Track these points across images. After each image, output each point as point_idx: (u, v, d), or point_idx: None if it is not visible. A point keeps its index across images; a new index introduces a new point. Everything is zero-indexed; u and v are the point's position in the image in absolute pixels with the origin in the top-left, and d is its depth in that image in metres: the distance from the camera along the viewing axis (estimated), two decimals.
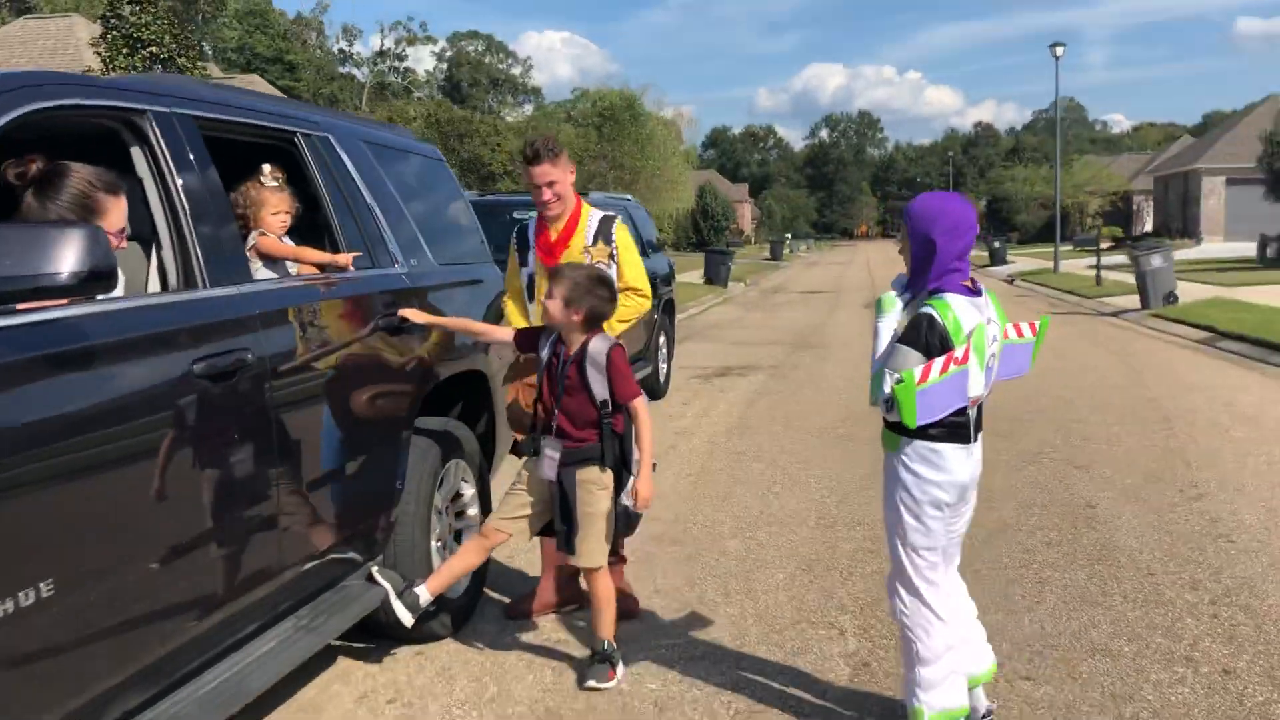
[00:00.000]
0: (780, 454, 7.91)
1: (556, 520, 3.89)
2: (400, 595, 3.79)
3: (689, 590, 5.00)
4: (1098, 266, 25.74)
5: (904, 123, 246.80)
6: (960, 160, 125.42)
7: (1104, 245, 48.14)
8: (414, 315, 4.17)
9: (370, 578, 3.86)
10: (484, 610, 4.71)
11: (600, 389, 3.80)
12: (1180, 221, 46.28)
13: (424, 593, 3.82)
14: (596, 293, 3.80)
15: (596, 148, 47.43)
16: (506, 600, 4.83)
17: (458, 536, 4.61)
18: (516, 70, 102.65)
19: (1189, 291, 20.64)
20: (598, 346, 3.82)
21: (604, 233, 4.60)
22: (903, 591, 3.35)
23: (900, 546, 3.32)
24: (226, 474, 3.09)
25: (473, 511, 4.69)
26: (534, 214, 4.68)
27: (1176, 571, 5.07)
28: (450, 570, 3.92)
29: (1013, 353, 3.44)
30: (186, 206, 3.20)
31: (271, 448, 3.30)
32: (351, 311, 3.90)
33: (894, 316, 3.30)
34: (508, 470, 4.75)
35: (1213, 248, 41.14)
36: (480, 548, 3.98)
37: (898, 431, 3.27)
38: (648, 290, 4.59)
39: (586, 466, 3.84)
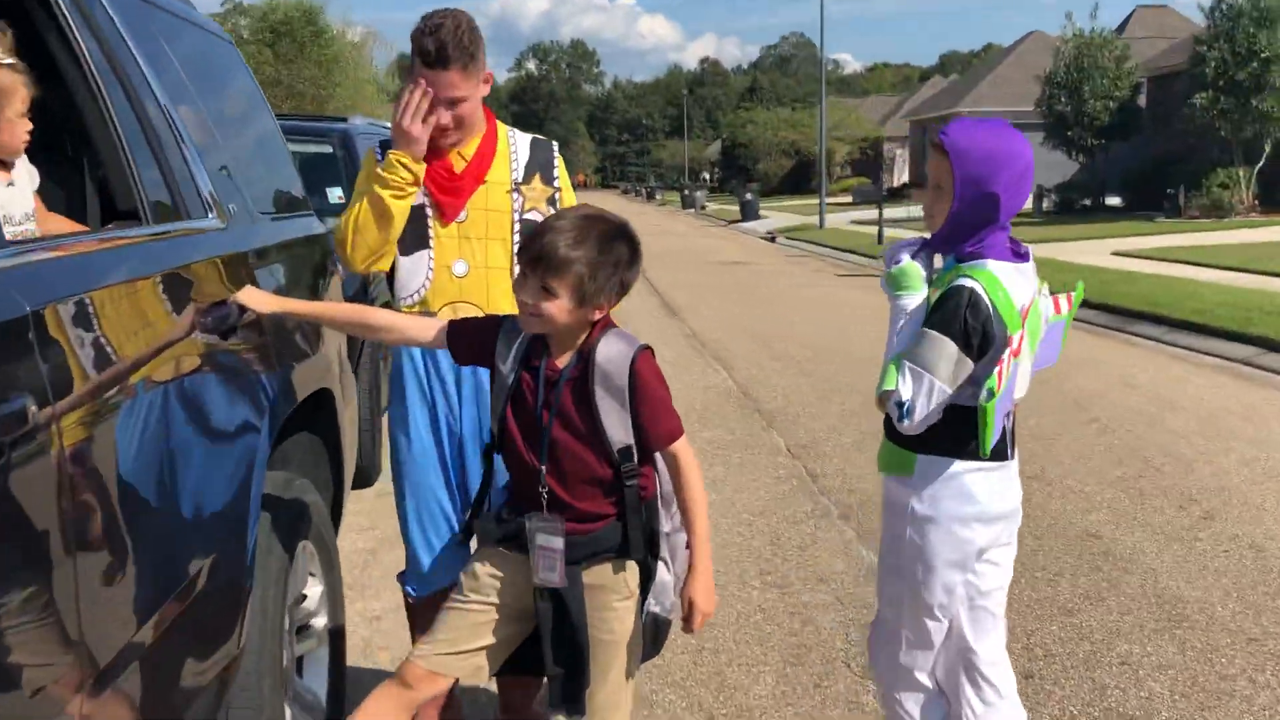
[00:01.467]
0: None
1: (547, 657, 2.64)
2: None
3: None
4: (880, 222, 26.22)
5: (619, 55, 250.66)
6: (687, 101, 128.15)
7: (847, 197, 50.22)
8: (261, 301, 2.81)
9: None
10: None
11: (620, 427, 2.61)
12: None
13: None
14: (623, 259, 2.60)
15: (272, 70, 44.35)
16: None
17: (298, 666, 3.28)
18: None
19: None
20: (613, 352, 2.61)
21: (540, 163, 3.39)
22: (910, 674, 2.99)
23: (911, 611, 2.92)
24: None
25: (319, 623, 3.38)
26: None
27: None
28: None
29: (1046, 336, 3.01)
30: None
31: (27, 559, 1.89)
32: (155, 301, 2.47)
33: (921, 294, 2.81)
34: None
35: None
36: (399, 706, 2.67)
37: (910, 447, 2.82)
38: None
39: (599, 564, 2.65)
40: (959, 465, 2.79)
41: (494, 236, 3.31)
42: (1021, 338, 2.76)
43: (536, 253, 2.53)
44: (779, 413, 8.64)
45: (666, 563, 2.74)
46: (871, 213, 37.15)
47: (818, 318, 14.55)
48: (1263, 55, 24.68)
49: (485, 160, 3.31)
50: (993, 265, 2.75)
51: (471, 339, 2.78)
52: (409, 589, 3.42)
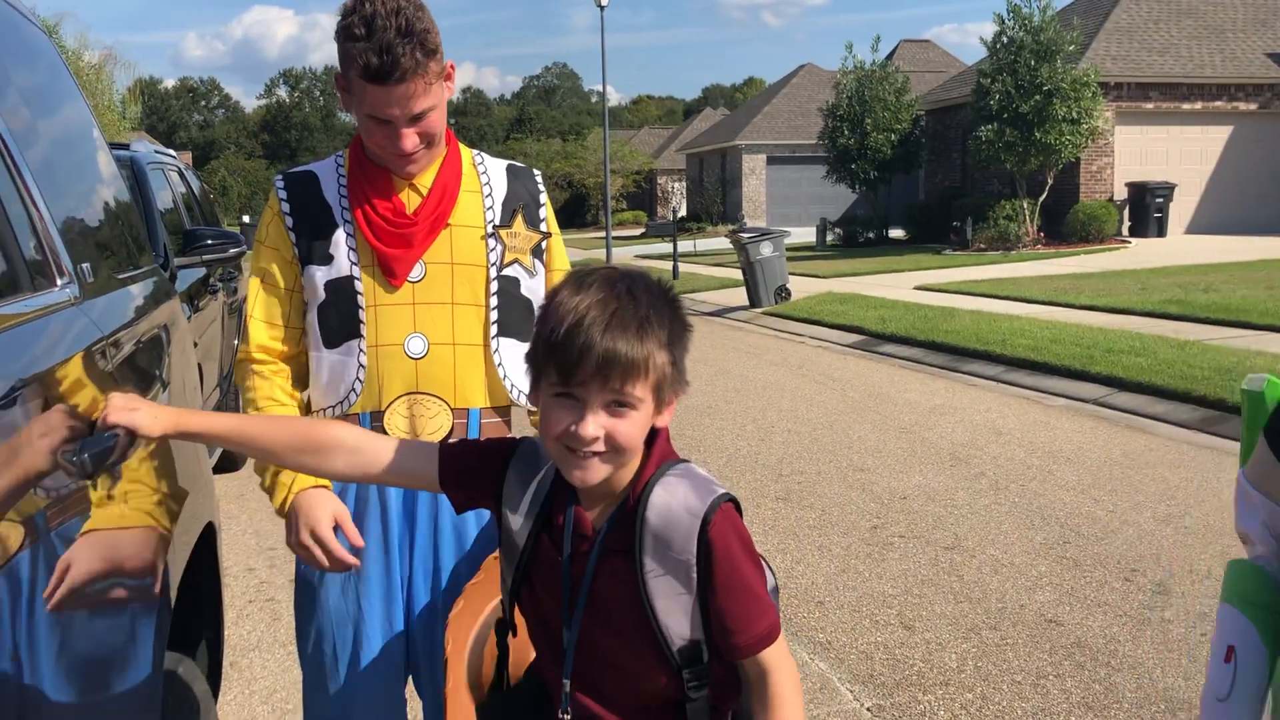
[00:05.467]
0: None
1: None
2: None
3: None
4: (674, 257, 25.90)
5: None
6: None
7: (638, 231, 50.19)
8: (152, 420, 1.88)
9: None
10: None
11: (681, 617, 1.83)
12: (721, 204, 48.96)
13: None
14: (686, 327, 1.86)
15: None
16: None
17: None
18: None
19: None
20: (676, 507, 1.83)
21: (523, 199, 2.57)
22: None
23: None
24: None
25: None
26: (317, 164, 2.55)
27: None
28: None
29: None
30: None
31: None
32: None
33: None
34: None
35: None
36: None
37: None
38: None
39: None
40: None
41: (464, 301, 2.47)
42: None
43: (597, 360, 1.73)
44: None
45: None
46: (654, 247, 37.04)
47: None
48: (1044, 88, 25.47)
49: (448, 195, 2.47)
50: None
51: (471, 475, 1.94)
52: None
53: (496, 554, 2.18)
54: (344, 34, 2.31)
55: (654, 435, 1.87)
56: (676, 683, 1.85)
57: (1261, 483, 1.97)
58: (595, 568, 1.83)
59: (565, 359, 1.73)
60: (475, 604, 2.21)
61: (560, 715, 1.86)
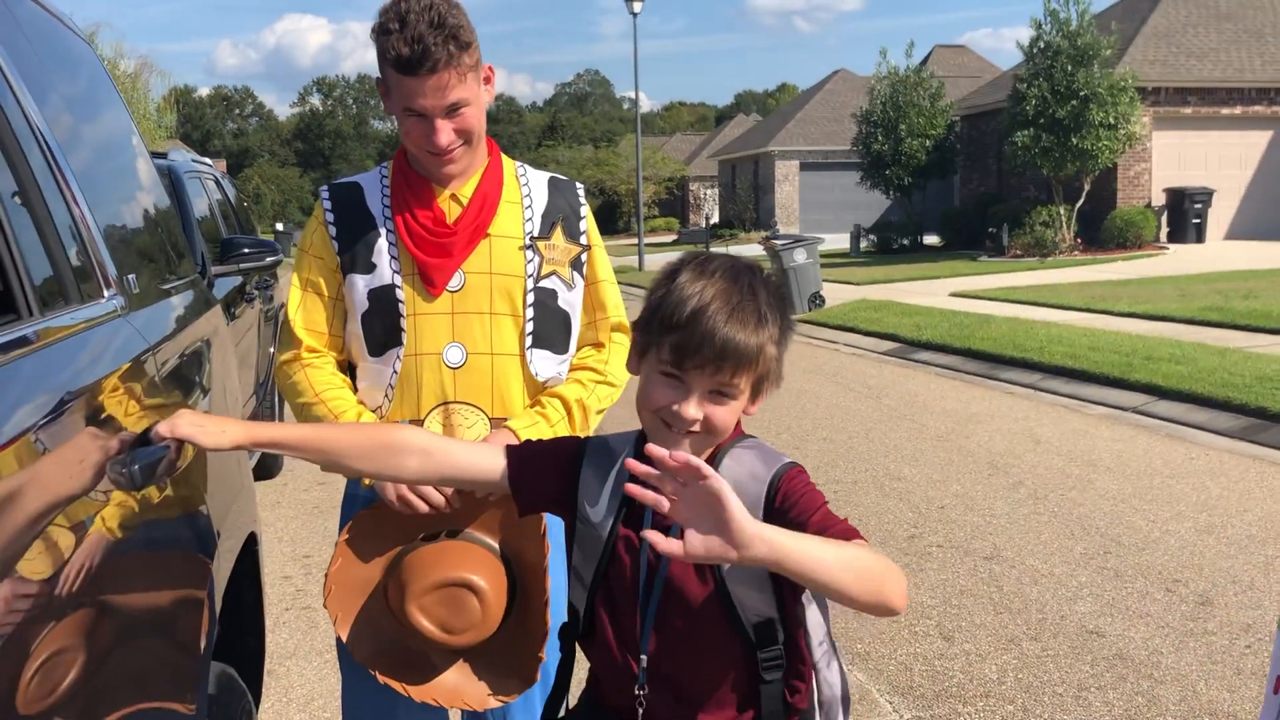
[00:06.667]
0: None
1: None
2: None
3: None
4: None
5: None
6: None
7: (670, 238, 50.19)
8: (216, 434, 1.89)
9: None
10: None
11: (755, 589, 1.86)
12: (754, 210, 48.91)
13: None
14: (790, 333, 1.95)
15: None
16: None
17: None
18: None
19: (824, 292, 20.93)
20: (744, 473, 1.88)
21: (563, 211, 2.58)
22: None
23: None
24: None
25: None
26: (379, 170, 2.58)
27: None
28: None
29: None
30: None
31: None
32: (33, 452, 1.54)
33: None
34: None
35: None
36: None
37: None
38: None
39: None
40: None
41: (501, 311, 2.49)
42: None
43: (715, 349, 1.80)
44: None
45: None
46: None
47: None
48: (1081, 93, 25.32)
49: (488, 205, 2.49)
50: None
51: (541, 474, 1.95)
52: None
53: (371, 510, 2.27)
54: (379, 30, 2.36)
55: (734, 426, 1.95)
56: (750, 665, 1.88)
57: None
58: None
59: (684, 342, 1.81)
60: (357, 567, 2.31)
61: (637, 691, 1.87)
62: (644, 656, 1.87)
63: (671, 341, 1.81)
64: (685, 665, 1.88)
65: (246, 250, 6.97)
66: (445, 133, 2.37)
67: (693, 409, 1.82)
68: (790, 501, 1.83)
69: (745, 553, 1.55)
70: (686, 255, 1.95)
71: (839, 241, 35.98)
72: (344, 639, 2.45)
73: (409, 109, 2.37)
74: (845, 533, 1.80)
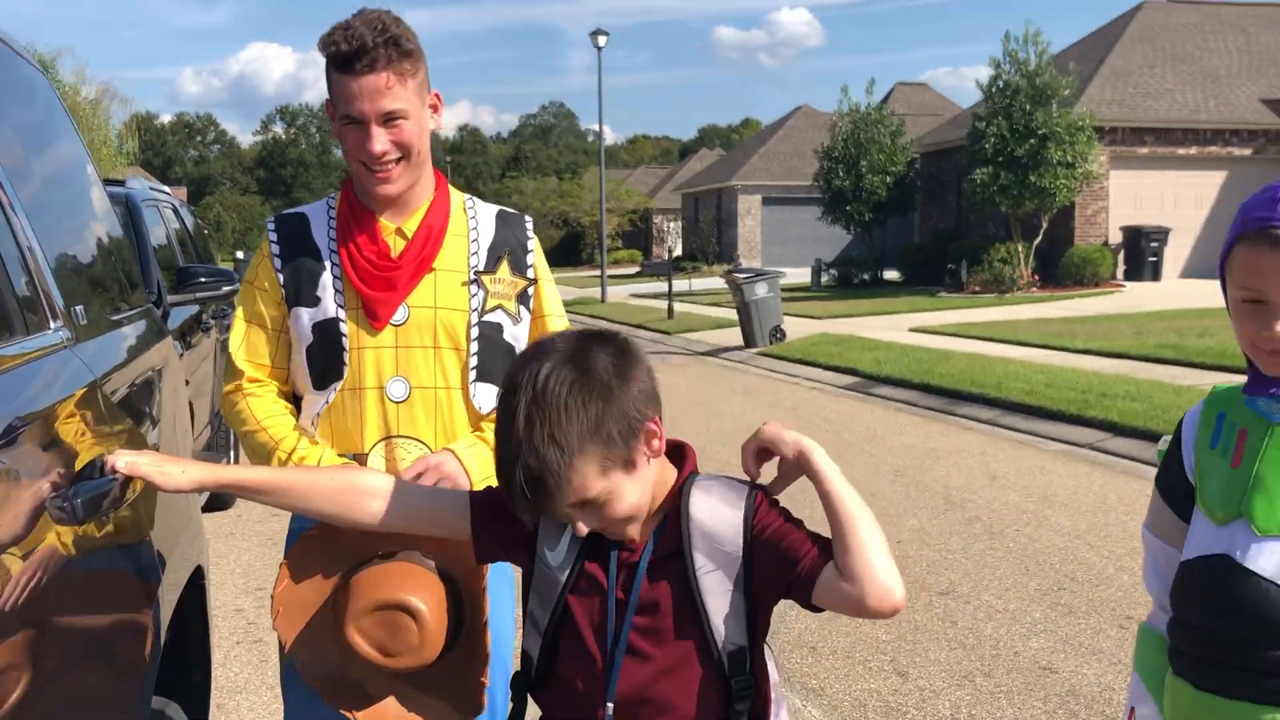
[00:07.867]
0: None
1: None
2: None
3: None
4: (669, 296, 25.95)
5: None
6: (441, 168, 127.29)
7: (633, 270, 50.37)
8: (175, 476, 1.88)
9: None
10: None
11: (731, 616, 1.88)
12: (716, 244, 49.11)
13: None
14: (614, 373, 1.81)
15: None
16: None
17: None
18: None
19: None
20: (715, 502, 1.92)
21: (510, 245, 2.58)
22: None
23: None
24: None
25: None
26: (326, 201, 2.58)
27: None
28: None
29: None
30: None
31: None
32: None
33: None
34: None
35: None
36: None
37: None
38: None
39: None
40: None
41: (445, 345, 2.49)
42: None
43: (535, 489, 1.78)
44: None
45: None
46: (650, 286, 37.11)
47: None
48: (1039, 132, 25.64)
49: (433, 239, 2.50)
50: None
51: (502, 519, 1.95)
52: None
53: (318, 530, 2.22)
54: (324, 37, 2.38)
55: (683, 451, 1.98)
56: (722, 695, 1.88)
57: (1155, 526, 2.03)
58: (645, 573, 1.87)
59: (513, 497, 1.83)
60: (304, 588, 2.27)
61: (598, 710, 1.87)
62: (610, 704, 1.86)
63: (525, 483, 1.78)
64: (655, 702, 1.87)
65: (203, 279, 6.94)
66: (380, 140, 2.37)
67: (582, 527, 1.84)
68: (765, 532, 1.91)
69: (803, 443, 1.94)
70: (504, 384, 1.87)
71: (800, 276, 36.18)
72: (295, 661, 2.41)
73: (347, 116, 2.38)
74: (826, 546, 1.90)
